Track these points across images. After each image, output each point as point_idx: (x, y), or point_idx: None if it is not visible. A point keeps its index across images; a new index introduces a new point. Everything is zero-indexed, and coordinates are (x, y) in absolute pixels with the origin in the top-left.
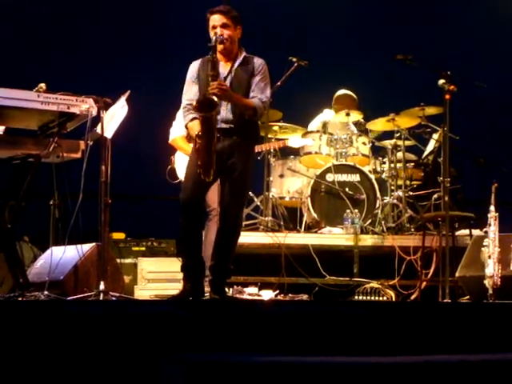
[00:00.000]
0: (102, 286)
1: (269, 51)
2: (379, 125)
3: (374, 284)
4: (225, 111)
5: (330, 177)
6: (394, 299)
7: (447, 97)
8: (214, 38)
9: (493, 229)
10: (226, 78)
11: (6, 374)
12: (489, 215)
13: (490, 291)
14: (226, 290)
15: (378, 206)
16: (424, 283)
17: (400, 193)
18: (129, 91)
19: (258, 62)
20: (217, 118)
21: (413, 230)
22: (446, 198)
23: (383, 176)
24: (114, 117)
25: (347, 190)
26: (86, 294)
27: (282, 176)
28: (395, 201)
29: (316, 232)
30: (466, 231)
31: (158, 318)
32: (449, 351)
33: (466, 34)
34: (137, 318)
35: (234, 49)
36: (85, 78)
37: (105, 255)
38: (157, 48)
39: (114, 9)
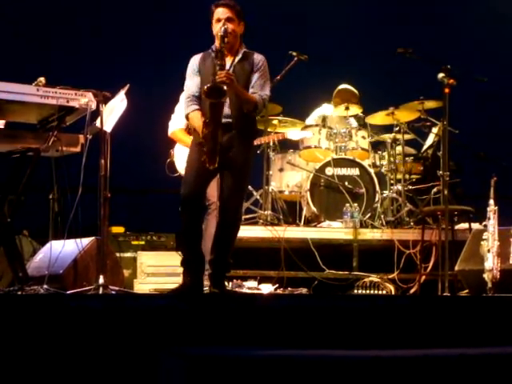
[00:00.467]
0: (101, 280)
1: (268, 48)
2: (378, 118)
3: (374, 278)
4: (224, 106)
5: (329, 171)
6: (393, 293)
7: (447, 90)
8: (222, 28)
9: (492, 222)
10: None
11: (6, 368)
12: (488, 209)
13: (489, 285)
14: (226, 283)
15: (377, 199)
16: (423, 277)
17: (399, 187)
18: (128, 85)
19: (258, 58)
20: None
21: (412, 223)
22: (446, 192)
23: (382, 170)
24: (114, 110)
25: (346, 183)
26: (85, 288)
27: (281, 170)
28: (394, 195)
29: (315, 226)
30: (466, 225)
31: (157, 311)
32: (448, 345)
33: (466, 33)
34: (136, 311)
35: (236, 44)
36: (84, 72)
37: (104, 249)
38: (156, 43)
39: (113, 4)
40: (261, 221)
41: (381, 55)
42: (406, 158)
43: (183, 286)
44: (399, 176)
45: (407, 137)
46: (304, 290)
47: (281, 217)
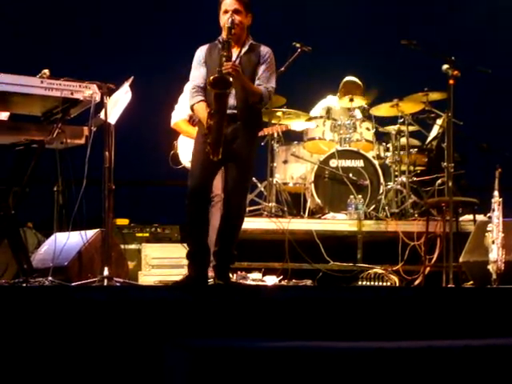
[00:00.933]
0: (106, 272)
1: (271, 40)
2: (383, 110)
3: (378, 269)
4: (229, 97)
5: (333, 162)
6: (397, 284)
7: (451, 82)
8: (229, 19)
9: (496, 214)
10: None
11: (11, 360)
12: (492, 200)
13: (494, 276)
14: (230, 275)
15: (381, 191)
16: (428, 268)
17: (404, 178)
18: (132, 77)
19: (264, 50)
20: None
21: (416, 215)
22: (450, 184)
23: (387, 161)
24: (118, 103)
25: (351, 175)
26: (90, 280)
27: (285, 162)
28: (399, 186)
29: (320, 218)
30: (470, 216)
31: (162, 303)
32: (453, 336)
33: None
34: (141, 303)
35: (242, 35)
36: (84, 71)
37: (109, 241)
38: (156, 43)
39: (113, 4)
40: (265, 213)
41: (385, 47)
42: (411, 150)
43: (188, 277)
44: (403, 168)
45: (412, 128)
46: (308, 282)
47: (285, 209)
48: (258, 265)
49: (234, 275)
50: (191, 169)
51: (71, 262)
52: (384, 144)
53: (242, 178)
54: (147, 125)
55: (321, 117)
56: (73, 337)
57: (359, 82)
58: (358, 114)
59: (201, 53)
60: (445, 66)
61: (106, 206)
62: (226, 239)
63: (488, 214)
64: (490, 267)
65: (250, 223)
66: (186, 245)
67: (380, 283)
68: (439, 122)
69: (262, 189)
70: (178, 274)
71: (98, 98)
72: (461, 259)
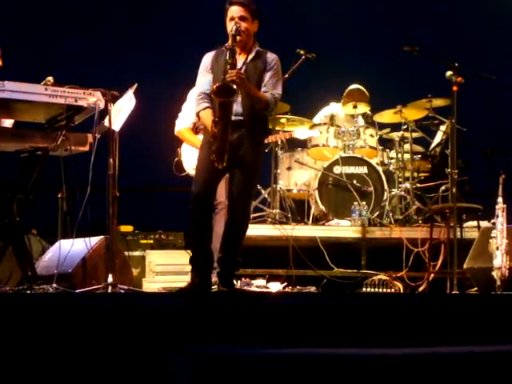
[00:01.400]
0: (110, 279)
1: (275, 47)
2: (386, 117)
3: (382, 276)
4: (235, 104)
5: (337, 169)
6: (401, 291)
7: (455, 88)
8: (234, 27)
9: (501, 220)
10: (239, 70)
11: (16, 366)
12: (497, 207)
13: (498, 282)
14: (234, 282)
15: (385, 198)
16: (432, 275)
17: (407, 185)
18: (136, 84)
19: (270, 57)
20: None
21: (420, 221)
22: (454, 190)
23: (391, 168)
24: (122, 110)
25: (355, 182)
26: (94, 287)
27: (289, 168)
28: (403, 193)
29: (324, 224)
30: (474, 223)
31: (166, 310)
32: (457, 343)
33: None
34: (145, 310)
35: (249, 42)
36: (88, 72)
37: (113, 248)
38: (156, 43)
39: (113, 4)
40: (269, 219)
41: (389, 53)
42: (414, 156)
43: (192, 284)
44: (407, 174)
45: (415, 135)
46: (312, 289)
47: (289, 215)
48: (262, 271)
49: (238, 282)
50: (195, 175)
51: (75, 269)
52: (388, 150)
53: (247, 185)
54: (151, 132)
55: (324, 124)
56: (77, 344)
57: (364, 90)
58: (361, 121)
59: (207, 59)
60: (448, 73)
61: (110, 213)
62: (230, 246)
63: (492, 221)
64: (494, 273)
65: (254, 230)
66: (189, 251)
67: (384, 290)
68: (443, 128)
69: (266, 195)
70: (183, 280)
71: (102, 105)
72: (465, 265)
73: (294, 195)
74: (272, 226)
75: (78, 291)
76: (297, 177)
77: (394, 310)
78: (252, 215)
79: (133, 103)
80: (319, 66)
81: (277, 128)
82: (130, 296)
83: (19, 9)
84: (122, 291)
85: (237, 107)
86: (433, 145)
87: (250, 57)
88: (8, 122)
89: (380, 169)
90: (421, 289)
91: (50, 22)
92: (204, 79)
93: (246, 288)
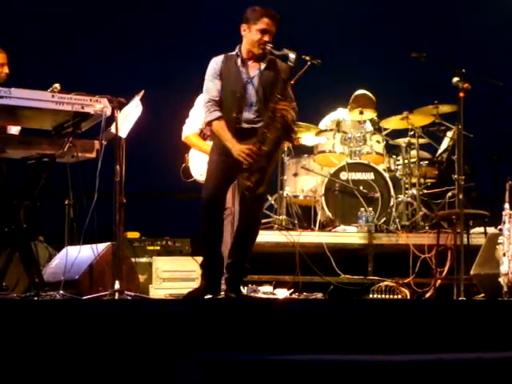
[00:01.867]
0: (117, 286)
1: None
2: (393, 123)
3: (389, 282)
4: (247, 112)
5: (344, 175)
6: (408, 297)
7: (461, 95)
8: (268, 46)
9: (507, 226)
10: (253, 79)
11: (24, 373)
12: (503, 213)
13: (505, 289)
14: (241, 288)
15: (392, 204)
16: (439, 281)
17: (414, 191)
18: (143, 91)
19: (282, 66)
20: (240, 117)
21: (427, 228)
22: (461, 196)
23: (397, 174)
24: (129, 116)
25: (361, 188)
26: (101, 294)
27: (296, 175)
28: (409, 199)
29: (330, 230)
30: (481, 229)
31: (173, 317)
32: (464, 349)
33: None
34: (152, 317)
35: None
36: (90, 78)
37: (120, 254)
38: (156, 43)
39: (113, 4)
40: (276, 226)
41: (396, 59)
42: (421, 162)
43: (199, 289)
44: (414, 180)
45: (422, 141)
46: (319, 295)
47: (295, 221)
48: (269, 278)
49: (245, 288)
50: (206, 180)
51: (82, 275)
52: (394, 156)
53: (259, 193)
54: (157, 138)
55: (331, 130)
56: (84, 350)
57: (370, 95)
58: (369, 127)
59: (216, 65)
60: (455, 79)
61: (116, 220)
62: (240, 252)
63: (499, 227)
64: (501, 280)
65: (260, 236)
66: (197, 258)
67: (391, 296)
68: (449, 134)
69: (273, 202)
70: (189, 287)
71: (108, 111)
72: (472, 272)
73: (300, 201)
74: (278, 233)
75: (84, 298)
76: (303, 183)
77: (400, 317)
78: None
79: (139, 110)
80: (325, 71)
81: None
82: (137, 302)
83: (24, 15)
84: (129, 298)
85: (249, 115)
86: (439, 151)
87: (263, 66)
88: (15, 129)
89: (387, 175)
90: (427, 295)
91: (57, 26)
92: (212, 85)
93: (252, 294)
